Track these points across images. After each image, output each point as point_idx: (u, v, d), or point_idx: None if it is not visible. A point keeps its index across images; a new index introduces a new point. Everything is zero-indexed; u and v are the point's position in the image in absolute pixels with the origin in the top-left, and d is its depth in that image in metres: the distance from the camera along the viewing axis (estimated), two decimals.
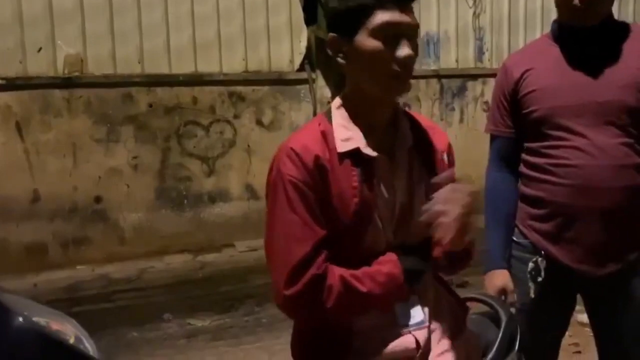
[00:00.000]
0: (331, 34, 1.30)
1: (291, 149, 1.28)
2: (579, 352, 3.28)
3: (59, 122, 5.32)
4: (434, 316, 1.35)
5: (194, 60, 5.77)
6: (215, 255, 5.52)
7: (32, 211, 5.25)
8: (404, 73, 1.25)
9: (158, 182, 5.67)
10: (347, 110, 1.34)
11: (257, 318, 4.10)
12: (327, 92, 6.15)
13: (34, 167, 5.26)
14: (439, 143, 1.42)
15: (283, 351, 3.54)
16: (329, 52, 1.31)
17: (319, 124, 1.34)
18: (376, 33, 1.23)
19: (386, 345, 1.31)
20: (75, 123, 5.37)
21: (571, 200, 1.75)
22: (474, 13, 6.80)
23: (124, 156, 5.54)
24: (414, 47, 1.26)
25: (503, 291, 1.88)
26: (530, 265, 1.84)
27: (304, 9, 6.02)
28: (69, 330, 1.36)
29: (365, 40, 1.24)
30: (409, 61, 1.24)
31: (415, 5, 1.27)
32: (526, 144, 1.88)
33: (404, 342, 1.30)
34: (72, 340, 1.33)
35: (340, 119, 1.34)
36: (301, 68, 6.15)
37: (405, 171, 1.34)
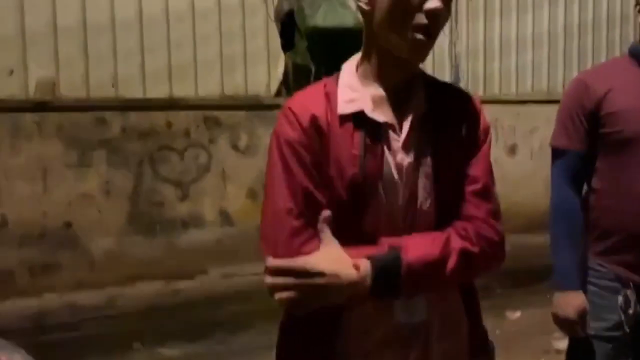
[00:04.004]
0: None
1: (288, 108, 1.19)
2: None
3: (29, 146, 5.20)
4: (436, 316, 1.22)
5: (169, 85, 5.72)
6: (187, 282, 5.40)
7: None
8: (431, 29, 1.11)
9: (130, 207, 5.56)
10: (361, 70, 1.21)
11: (230, 346, 4.00)
12: None
13: (2, 192, 5.12)
14: (461, 113, 1.23)
15: None
16: None
17: (325, 85, 1.22)
18: None
19: (379, 342, 1.19)
20: (46, 147, 5.25)
21: None
22: (450, 40, 6.87)
23: (96, 181, 5.42)
24: (446, 4, 1.12)
25: (583, 313, 1.82)
26: (620, 299, 1.80)
27: (281, 35, 6.03)
28: None
29: None
30: (438, 16, 1.11)
31: None
32: (598, 166, 1.84)
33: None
34: None
35: (348, 78, 1.21)
36: (278, 93, 6.13)
37: (414, 143, 1.18)
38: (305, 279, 1.06)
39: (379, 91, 1.18)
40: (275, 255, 1.09)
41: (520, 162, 6.96)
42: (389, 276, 1.09)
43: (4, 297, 4.90)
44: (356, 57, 1.25)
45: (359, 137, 1.15)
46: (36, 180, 5.22)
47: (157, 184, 5.67)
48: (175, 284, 5.36)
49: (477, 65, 7.03)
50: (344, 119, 1.16)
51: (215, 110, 5.83)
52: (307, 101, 1.19)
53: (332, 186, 1.15)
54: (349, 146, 1.14)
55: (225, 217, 5.89)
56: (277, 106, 6.06)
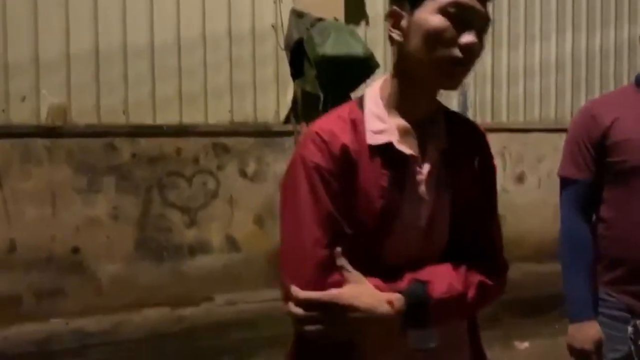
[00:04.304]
0: (393, 6, 1.17)
1: (316, 133, 1.15)
2: None
3: (39, 171, 5.24)
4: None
5: (179, 111, 5.77)
6: (193, 309, 5.38)
7: (7, 261, 5.11)
8: (465, 62, 1.12)
9: (138, 233, 5.57)
10: (385, 99, 1.21)
11: None
12: None
13: (12, 216, 5.15)
14: (475, 149, 1.27)
15: None
16: (388, 25, 1.17)
17: (349, 112, 1.20)
18: (444, 10, 1.10)
19: None
20: (56, 172, 5.30)
21: None
22: None
23: (104, 206, 5.45)
24: (480, 38, 1.13)
25: (599, 343, 1.81)
26: (630, 329, 1.79)
27: (291, 63, 6.08)
28: None
29: (430, 16, 1.10)
30: (473, 50, 1.11)
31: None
32: (605, 195, 1.84)
33: None
34: None
35: (374, 108, 1.20)
36: (287, 120, 6.17)
37: (435, 177, 1.20)
38: (340, 313, 1.06)
39: (405, 123, 1.20)
40: (302, 286, 1.09)
41: (528, 190, 6.94)
42: (418, 310, 1.12)
43: (10, 321, 4.90)
44: (377, 84, 1.25)
45: (386, 168, 1.16)
46: (45, 205, 5.25)
47: (165, 209, 5.69)
48: (180, 311, 5.34)
49: (484, 93, 7.05)
50: (373, 149, 1.16)
51: (224, 137, 5.87)
52: (335, 128, 1.17)
53: (356, 215, 1.15)
54: (377, 177, 1.15)
55: (232, 244, 5.89)
56: (285, 133, 6.11)
